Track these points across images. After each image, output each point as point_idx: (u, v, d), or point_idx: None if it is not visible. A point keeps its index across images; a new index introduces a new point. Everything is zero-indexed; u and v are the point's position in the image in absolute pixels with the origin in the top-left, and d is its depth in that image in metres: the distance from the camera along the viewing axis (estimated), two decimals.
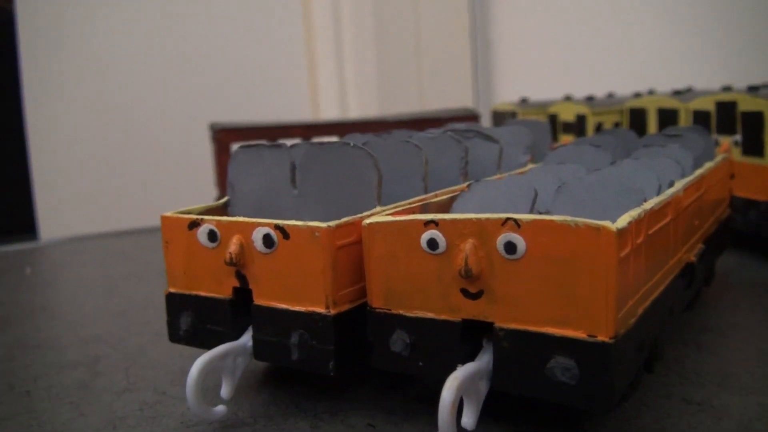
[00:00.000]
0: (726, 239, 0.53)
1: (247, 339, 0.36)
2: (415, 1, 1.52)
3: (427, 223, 0.31)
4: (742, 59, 0.95)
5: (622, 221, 0.28)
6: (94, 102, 1.32)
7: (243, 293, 0.36)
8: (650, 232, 0.31)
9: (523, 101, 0.93)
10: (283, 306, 0.34)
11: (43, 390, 0.41)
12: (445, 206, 0.38)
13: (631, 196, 0.33)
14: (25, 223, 1.26)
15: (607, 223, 0.27)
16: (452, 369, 0.29)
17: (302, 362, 0.33)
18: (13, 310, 0.59)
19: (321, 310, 0.33)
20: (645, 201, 0.33)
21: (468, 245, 0.29)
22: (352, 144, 0.37)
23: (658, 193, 0.36)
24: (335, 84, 1.59)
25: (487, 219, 0.29)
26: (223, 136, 0.77)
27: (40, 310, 0.59)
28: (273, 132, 0.80)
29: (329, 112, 1.61)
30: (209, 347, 0.35)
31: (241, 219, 0.35)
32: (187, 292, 0.38)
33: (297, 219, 0.37)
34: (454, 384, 0.28)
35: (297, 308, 0.33)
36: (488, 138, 0.48)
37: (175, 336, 0.38)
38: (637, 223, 0.29)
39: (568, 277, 0.28)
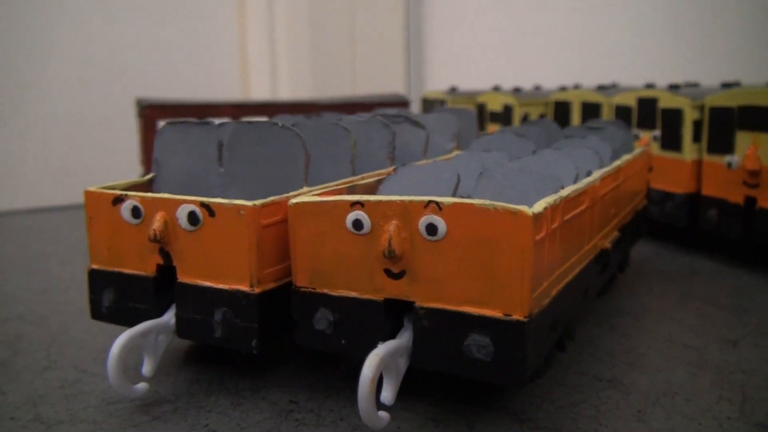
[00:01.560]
0: (642, 228, 0.55)
1: (169, 317, 0.35)
2: None
3: (353, 204, 0.31)
4: (667, 54, 0.99)
5: (539, 206, 0.29)
6: (16, 74, 1.27)
7: (166, 271, 0.35)
8: (565, 218, 0.33)
9: (453, 90, 0.94)
10: (208, 284, 0.34)
11: None
12: (372, 188, 0.39)
13: (548, 184, 0.34)
14: None
15: (524, 208, 0.28)
16: (374, 346, 0.30)
17: (225, 340, 0.34)
18: None
19: (245, 288, 0.33)
20: (562, 188, 0.34)
21: (392, 226, 0.30)
22: (280, 124, 0.37)
23: (575, 181, 0.37)
24: (267, 65, 1.57)
25: (411, 201, 0.30)
26: (150, 113, 0.76)
27: None
28: (201, 110, 0.79)
29: (260, 94, 1.60)
30: (131, 325, 0.35)
31: (166, 195, 0.35)
32: (110, 268, 0.37)
33: (223, 197, 0.37)
34: (375, 360, 0.29)
35: (221, 286, 0.33)
36: (416, 124, 0.49)
37: (97, 313, 0.38)
38: (552, 209, 0.30)
39: (486, 258, 0.29)
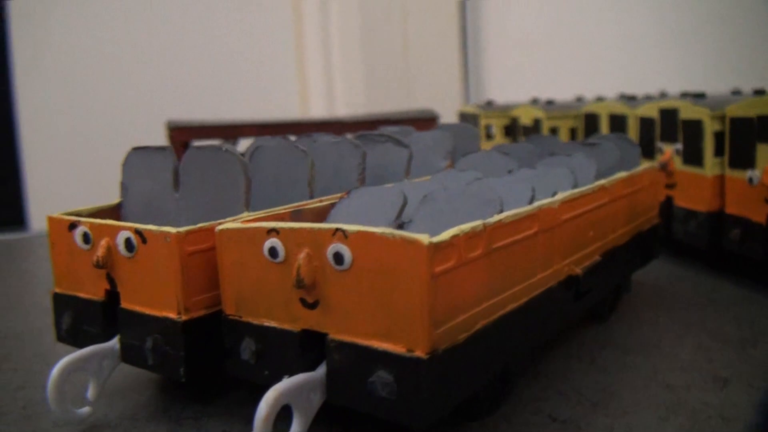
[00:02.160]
0: (650, 250, 0.52)
1: (114, 342, 0.36)
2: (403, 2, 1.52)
3: (269, 231, 0.30)
4: (740, 64, 0.93)
5: (445, 234, 0.27)
6: (85, 98, 1.34)
7: (114, 296, 0.36)
8: (497, 245, 0.31)
9: (489, 104, 0.92)
10: (142, 310, 0.34)
11: None
12: (323, 213, 0.38)
13: (488, 208, 0.32)
14: (15, 215, 1.29)
15: (420, 236, 0.26)
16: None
17: (157, 367, 0.34)
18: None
19: (172, 315, 0.33)
20: (500, 213, 0.32)
21: (302, 255, 0.29)
22: (224, 148, 0.37)
23: (531, 202, 0.35)
24: (323, 83, 1.59)
25: (320, 229, 0.29)
26: (177, 134, 0.78)
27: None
28: (227, 130, 0.80)
29: (317, 111, 1.61)
30: (83, 347, 0.36)
31: (108, 222, 0.35)
32: (68, 292, 0.38)
33: (176, 223, 0.37)
34: (272, 396, 0.28)
35: (153, 313, 0.33)
36: (398, 143, 0.48)
37: (59, 335, 0.39)
38: (469, 237, 0.29)
39: (390, 290, 0.27)
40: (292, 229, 0.30)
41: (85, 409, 0.35)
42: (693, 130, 0.55)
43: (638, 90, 0.93)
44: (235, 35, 1.52)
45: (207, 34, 1.48)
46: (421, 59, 1.51)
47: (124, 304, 0.35)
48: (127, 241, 0.34)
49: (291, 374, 0.30)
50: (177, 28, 1.46)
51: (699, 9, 0.99)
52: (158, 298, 0.33)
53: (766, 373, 0.39)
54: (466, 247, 0.29)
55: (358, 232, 0.28)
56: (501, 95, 1.46)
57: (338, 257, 0.28)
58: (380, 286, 0.27)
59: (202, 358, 0.33)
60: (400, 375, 0.27)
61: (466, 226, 0.29)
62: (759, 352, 0.41)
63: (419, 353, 0.27)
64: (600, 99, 0.79)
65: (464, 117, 0.93)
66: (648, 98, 0.73)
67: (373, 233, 0.27)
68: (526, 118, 0.80)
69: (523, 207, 0.34)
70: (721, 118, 0.53)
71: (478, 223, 0.29)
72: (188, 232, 0.32)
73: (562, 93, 1.05)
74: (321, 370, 0.30)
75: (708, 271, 0.58)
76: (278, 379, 0.31)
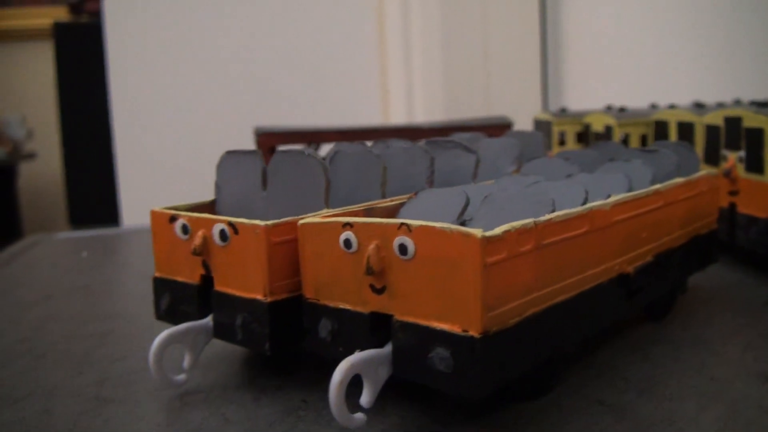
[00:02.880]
0: (708, 254, 0.53)
1: (208, 320, 0.41)
2: (484, 7, 1.54)
3: (344, 225, 0.35)
4: None
5: (498, 230, 0.31)
6: (174, 101, 1.43)
7: (209, 280, 0.41)
8: (547, 241, 0.34)
9: (562, 111, 0.94)
10: (234, 292, 0.39)
11: (59, 353, 0.48)
12: (393, 211, 0.42)
13: (541, 208, 0.36)
14: (110, 212, 1.39)
15: (475, 231, 0.30)
16: None
17: (245, 342, 0.38)
18: (57, 287, 0.68)
19: (260, 297, 0.37)
20: (552, 212, 0.35)
21: (372, 246, 0.33)
22: (307, 153, 0.41)
23: (584, 203, 0.38)
24: (403, 90, 1.63)
25: (387, 223, 0.33)
26: (264, 139, 0.83)
27: (80, 288, 0.67)
28: (310, 136, 0.85)
29: (398, 118, 1.66)
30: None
31: (204, 215, 0.40)
32: (167, 277, 0.43)
33: (264, 218, 0.42)
34: (345, 366, 0.32)
35: (243, 295, 0.38)
36: (466, 149, 0.52)
37: (158, 314, 0.44)
38: (520, 233, 0.32)
39: (447, 277, 0.31)
40: (364, 224, 0.34)
41: (181, 377, 0.40)
42: (756, 138, 0.56)
43: (712, 98, 0.93)
44: (320, 44, 1.59)
45: (294, 43, 1.56)
46: (500, 67, 1.53)
47: (218, 287, 0.40)
48: (222, 232, 0.39)
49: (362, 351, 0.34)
50: (265, 35, 1.54)
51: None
52: (247, 282, 0.38)
53: None
54: (517, 242, 0.32)
55: (421, 227, 0.32)
56: (578, 103, 1.47)
57: (402, 248, 0.32)
58: (439, 273, 0.31)
59: (285, 336, 0.38)
60: (456, 351, 0.31)
61: (517, 223, 0.32)
62: None
63: (473, 333, 0.30)
64: (672, 106, 0.81)
65: (538, 124, 0.95)
66: (719, 106, 0.74)
67: (433, 227, 0.31)
68: (598, 125, 0.82)
69: (575, 208, 0.37)
70: None
71: (529, 221, 0.33)
72: (274, 225, 0.37)
73: (638, 101, 1.06)
74: (388, 348, 0.34)
75: (764, 277, 0.59)
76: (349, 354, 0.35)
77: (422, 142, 0.52)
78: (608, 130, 0.79)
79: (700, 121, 0.66)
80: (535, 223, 0.33)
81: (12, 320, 0.57)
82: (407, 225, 0.32)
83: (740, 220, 0.59)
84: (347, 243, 0.35)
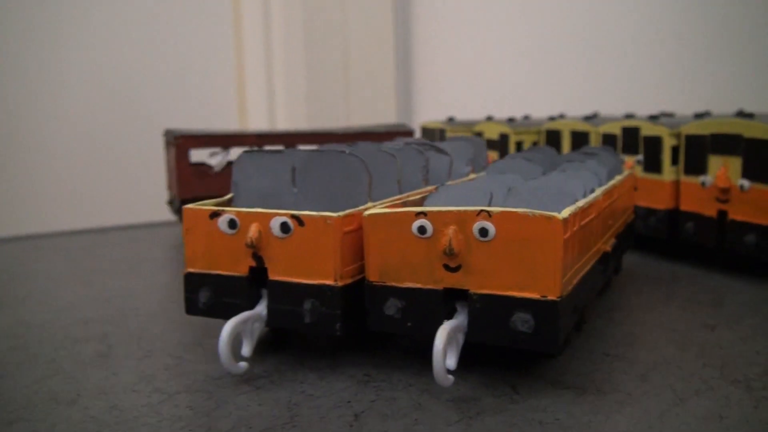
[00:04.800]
0: (631, 239, 0.65)
1: (261, 308, 0.43)
2: (343, 20, 1.62)
3: (418, 214, 0.40)
4: (645, 86, 1.10)
5: (565, 213, 0.38)
6: (47, 111, 1.35)
7: (256, 271, 0.43)
8: (581, 224, 0.42)
9: (450, 120, 1.04)
10: (297, 280, 0.42)
11: (66, 358, 0.47)
12: (419, 203, 0.47)
13: (565, 198, 0.43)
14: None
15: (556, 214, 0.37)
16: (434, 327, 0.38)
17: (313, 325, 0.42)
18: None
19: (330, 282, 0.41)
20: (575, 201, 0.43)
21: (450, 230, 0.39)
22: (347, 152, 0.46)
23: (584, 196, 0.46)
24: (264, 97, 1.66)
25: (465, 211, 0.39)
26: (184, 142, 0.84)
27: (24, 298, 0.64)
28: (228, 139, 0.87)
29: (257, 124, 1.68)
30: (226, 317, 0.43)
31: (259, 210, 0.43)
32: (206, 271, 0.45)
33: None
34: (444, 333, 0.37)
35: (309, 281, 0.42)
36: (441, 151, 0.58)
37: (193, 309, 0.46)
38: (573, 216, 0.39)
39: (527, 253, 0.37)
40: (439, 212, 0.39)
41: (243, 363, 0.42)
42: (654, 144, 0.69)
43: (551, 111, 1.08)
44: (176, 50, 1.56)
45: (148, 48, 1.52)
46: (359, 77, 1.61)
47: (274, 277, 0.43)
48: (283, 225, 0.42)
49: (430, 324, 0.39)
50: (121, 41, 1.49)
51: (632, 29, 1.16)
52: (315, 270, 0.41)
53: (739, 320, 0.52)
54: (572, 223, 0.39)
55: (502, 212, 0.38)
56: (428, 113, 1.59)
57: (483, 231, 0.38)
58: (519, 251, 0.37)
59: (351, 317, 0.42)
60: (537, 314, 0.37)
61: (572, 207, 0.39)
62: (727, 309, 0.55)
63: (552, 297, 0.37)
64: (558, 117, 0.93)
65: (426, 131, 1.04)
66: (588, 117, 0.87)
67: (515, 212, 0.37)
68: (491, 133, 0.92)
69: (587, 198, 0.45)
70: (677, 135, 0.67)
71: (575, 206, 0.40)
72: (345, 216, 0.41)
73: (486, 112, 1.19)
74: (461, 318, 0.39)
75: (663, 258, 0.72)
76: (419, 329, 0.40)
77: (401, 144, 0.57)
78: (503, 137, 0.90)
79: (596, 131, 0.78)
80: (578, 208, 0.41)
81: None
82: (487, 211, 0.38)
83: (640, 211, 0.71)
84: (422, 230, 0.40)
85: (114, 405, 0.39)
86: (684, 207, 0.67)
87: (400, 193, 0.50)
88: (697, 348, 0.46)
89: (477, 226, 0.38)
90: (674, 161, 0.68)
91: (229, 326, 0.41)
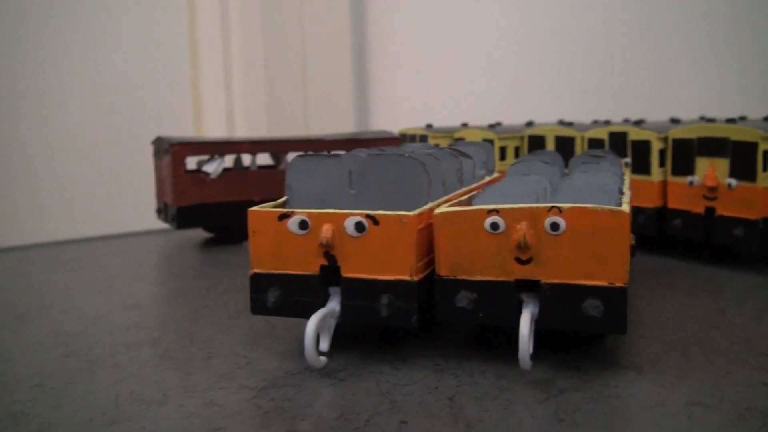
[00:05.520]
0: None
1: (335, 304, 0.45)
2: (301, 28, 1.64)
3: (490, 212, 0.43)
4: (616, 93, 1.17)
5: (626, 207, 0.42)
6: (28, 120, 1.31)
7: (327, 270, 0.46)
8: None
9: (429, 126, 1.08)
10: (372, 276, 0.44)
11: (130, 362, 0.48)
12: (468, 203, 0.50)
13: (610, 194, 0.48)
14: None
15: (622, 209, 0.41)
16: (507, 316, 0.42)
17: (390, 319, 0.44)
18: (12, 310, 0.63)
19: (406, 277, 0.44)
20: (618, 197, 0.47)
21: (523, 226, 0.42)
22: (406, 155, 0.48)
23: (621, 193, 0.51)
24: (222, 104, 1.66)
25: (537, 207, 0.42)
26: (180, 149, 0.84)
27: (45, 308, 0.63)
28: (222, 147, 0.88)
29: (215, 131, 1.67)
30: (297, 315, 0.45)
31: (332, 211, 0.45)
32: (275, 271, 0.47)
33: None
34: (528, 320, 0.40)
35: (385, 278, 0.44)
36: (465, 155, 0.62)
37: (261, 308, 0.47)
38: (630, 210, 0.43)
39: (596, 245, 0.41)
40: (511, 209, 0.43)
41: (324, 358, 0.44)
42: (643, 147, 0.75)
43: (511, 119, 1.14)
44: (129, 56, 1.54)
45: (102, 54, 1.49)
46: (318, 86, 1.63)
47: (347, 274, 0.45)
48: (358, 224, 0.44)
49: (502, 313, 0.43)
50: (73, 51, 1.45)
51: (578, 39, 1.23)
52: (390, 266, 0.44)
53: (742, 304, 0.57)
54: (629, 216, 0.43)
55: (572, 208, 0.41)
56: (386, 122, 1.63)
57: (555, 226, 0.42)
58: (588, 242, 0.41)
59: (424, 310, 0.45)
60: (607, 299, 0.41)
61: (627, 202, 0.44)
62: (728, 296, 0.60)
63: (620, 284, 0.41)
64: (530, 123, 0.98)
65: (405, 137, 1.07)
66: (555, 123, 0.93)
67: (584, 208, 0.41)
68: (473, 139, 0.96)
69: (626, 193, 0.49)
70: (664, 139, 0.73)
71: (627, 201, 0.44)
72: (419, 214, 0.44)
73: (442, 120, 1.24)
74: (530, 306, 0.43)
75: (653, 253, 0.78)
76: (491, 318, 0.44)
77: (435, 149, 0.61)
78: (489, 142, 0.94)
79: (581, 135, 0.84)
80: (629, 203, 0.45)
81: None
82: (558, 207, 0.42)
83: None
84: (494, 226, 0.43)
85: (209, 401, 0.40)
86: (672, 205, 0.73)
87: (446, 194, 0.53)
88: (717, 329, 0.51)
89: (549, 221, 0.42)
90: (661, 163, 0.74)
91: (313, 322, 0.43)
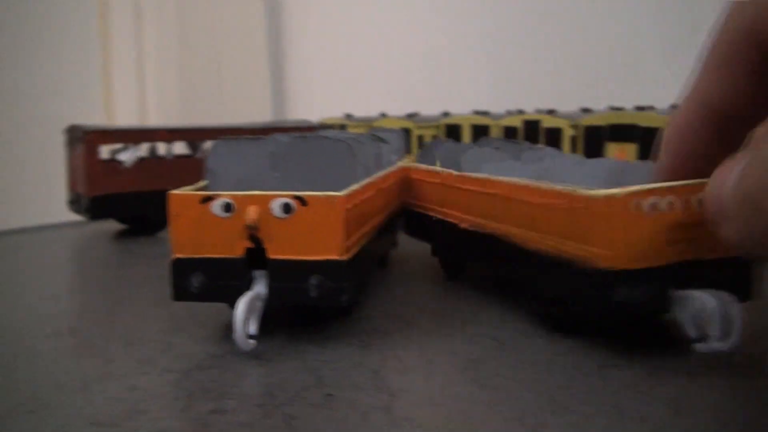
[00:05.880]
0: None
1: (260, 288, 0.45)
2: (215, 16, 1.61)
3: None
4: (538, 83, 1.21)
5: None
6: None
7: (252, 252, 0.45)
8: None
9: (348, 116, 1.08)
10: (301, 257, 0.44)
11: (49, 351, 0.46)
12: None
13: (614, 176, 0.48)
14: None
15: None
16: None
17: (320, 299, 0.44)
18: None
19: (336, 257, 0.44)
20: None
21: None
22: (332, 137, 0.49)
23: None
24: (133, 93, 1.61)
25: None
26: (94, 138, 0.81)
27: None
28: (138, 135, 0.85)
29: (126, 120, 1.62)
30: (222, 300, 0.46)
31: (257, 192, 0.45)
32: (197, 256, 0.46)
33: None
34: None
35: (314, 258, 0.44)
36: (382, 140, 0.62)
37: (183, 295, 0.46)
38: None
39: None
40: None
41: (253, 342, 0.44)
42: (554, 135, 0.78)
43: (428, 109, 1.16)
44: (38, 44, 1.47)
45: (10, 41, 1.42)
46: (232, 75, 1.60)
47: (274, 256, 0.45)
48: (285, 206, 0.44)
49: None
50: None
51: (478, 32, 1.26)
52: (319, 246, 0.44)
53: None
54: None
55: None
56: (305, 112, 1.63)
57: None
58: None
59: (354, 289, 0.45)
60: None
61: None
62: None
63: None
64: (446, 114, 1.01)
65: (325, 127, 1.07)
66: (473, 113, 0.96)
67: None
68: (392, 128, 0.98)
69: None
70: (576, 127, 0.77)
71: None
72: (347, 195, 0.44)
73: (361, 110, 1.25)
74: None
75: None
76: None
77: (356, 134, 0.61)
78: (406, 131, 0.96)
79: (496, 124, 0.86)
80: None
81: None
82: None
83: None
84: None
85: (131, 386, 0.40)
86: None
87: (367, 177, 0.53)
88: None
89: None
90: (573, 149, 0.77)
91: (243, 304, 0.43)
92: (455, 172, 0.56)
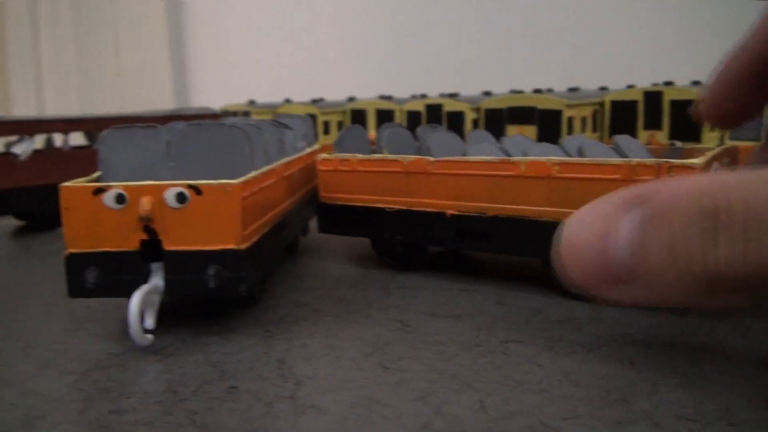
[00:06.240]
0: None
1: (157, 280, 0.44)
2: (114, 2, 1.54)
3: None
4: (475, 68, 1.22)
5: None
6: None
7: (148, 244, 0.44)
8: None
9: (252, 102, 1.06)
10: (197, 248, 0.43)
11: None
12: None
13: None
14: None
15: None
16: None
17: (218, 289, 0.43)
18: None
19: (233, 246, 0.43)
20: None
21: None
22: (228, 124, 0.48)
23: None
24: (31, 83, 1.52)
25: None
26: None
27: None
28: (35, 125, 0.81)
29: (22, 109, 1.54)
30: (119, 295, 0.44)
31: (150, 182, 0.43)
32: (91, 250, 0.44)
33: None
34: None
35: (211, 248, 0.43)
36: (286, 126, 0.62)
37: (79, 291, 0.44)
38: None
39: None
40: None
41: (150, 336, 0.43)
42: (457, 118, 0.79)
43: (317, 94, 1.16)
44: None
45: None
46: (132, 63, 1.54)
47: (170, 247, 0.44)
48: (179, 195, 0.43)
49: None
50: None
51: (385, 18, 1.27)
52: (216, 236, 0.43)
53: None
54: None
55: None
56: (208, 100, 1.59)
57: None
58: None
59: (253, 278, 0.44)
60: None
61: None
62: None
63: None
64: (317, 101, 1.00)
65: (229, 114, 1.05)
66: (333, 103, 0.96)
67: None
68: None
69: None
70: (477, 110, 0.78)
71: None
72: (243, 183, 0.43)
73: (265, 97, 1.24)
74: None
75: None
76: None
77: (259, 121, 0.60)
78: (312, 117, 0.95)
79: (400, 108, 0.87)
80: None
81: None
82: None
83: None
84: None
85: (28, 390, 0.38)
86: None
87: (268, 164, 0.52)
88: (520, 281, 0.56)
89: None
90: None
91: (136, 299, 0.41)
92: (432, 158, 0.54)
